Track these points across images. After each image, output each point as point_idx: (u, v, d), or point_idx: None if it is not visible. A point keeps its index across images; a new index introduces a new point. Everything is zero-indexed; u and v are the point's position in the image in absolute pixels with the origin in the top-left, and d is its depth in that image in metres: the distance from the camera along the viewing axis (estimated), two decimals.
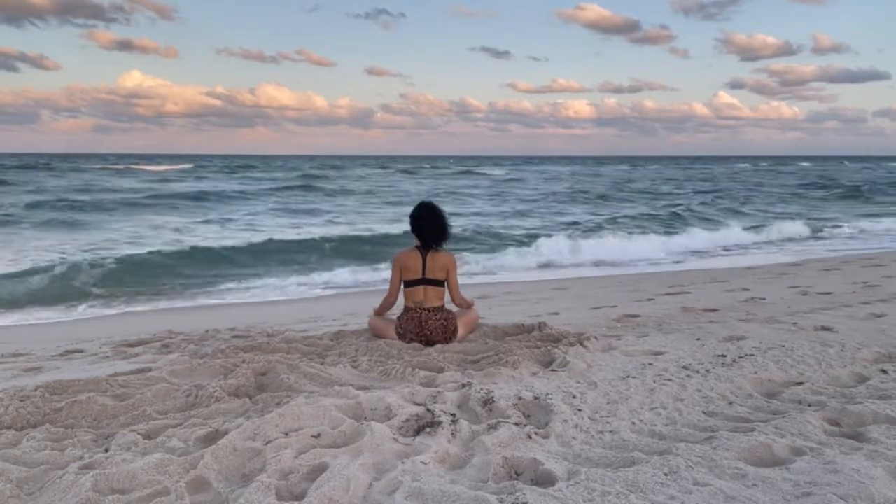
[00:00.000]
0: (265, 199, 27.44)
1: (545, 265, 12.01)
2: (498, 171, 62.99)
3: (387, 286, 4.74)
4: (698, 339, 4.41)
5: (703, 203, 25.86)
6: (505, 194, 32.92)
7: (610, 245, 13.69)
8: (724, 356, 3.92)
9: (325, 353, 4.16)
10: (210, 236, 15.86)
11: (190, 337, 5.08)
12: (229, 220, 19.96)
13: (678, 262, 12.16)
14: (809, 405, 3.05)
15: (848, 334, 4.50)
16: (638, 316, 5.57)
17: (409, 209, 4.67)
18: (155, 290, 9.67)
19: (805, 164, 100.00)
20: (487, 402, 3.02)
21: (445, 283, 4.61)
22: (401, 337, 4.46)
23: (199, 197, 27.62)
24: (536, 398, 3.07)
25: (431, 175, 56.37)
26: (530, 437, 2.63)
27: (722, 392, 3.28)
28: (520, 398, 3.06)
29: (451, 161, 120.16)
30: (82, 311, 8.37)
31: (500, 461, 2.41)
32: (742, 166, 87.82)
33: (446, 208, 4.71)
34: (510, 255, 12.64)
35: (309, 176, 46.81)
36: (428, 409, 2.89)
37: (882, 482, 2.18)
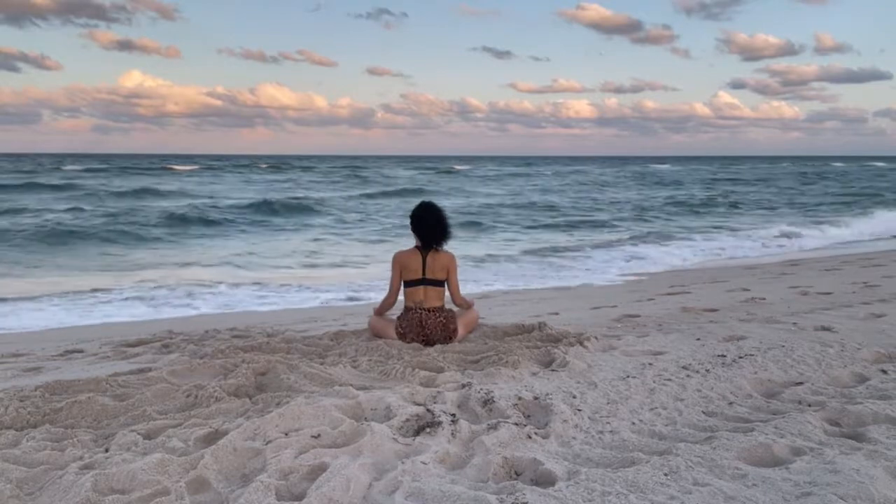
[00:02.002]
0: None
1: None
2: (546, 172, 62.96)
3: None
4: (698, 339, 4.41)
5: None
6: (667, 197, 30.87)
7: None
8: (724, 356, 3.92)
9: (325, 353, 4.16)
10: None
11: (190, 337, 5.08)
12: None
13: None
14: (809, 405, 3.04)
15: (848, 334, 4.50)
16: (638, 316, 5.56)
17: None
18: None
19: (838, 164, 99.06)
20: (487, 402, 3.02)
21: (445, 283, 4.61)
22: (401, 337, 4.46)
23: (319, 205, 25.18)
24: (536, 398, 3.07)
25: (488, 176, 55.30)
26: (530, 437, 2.63)
27: (722, 392, 3.28)
28: (520, 398, 3.06)
29: (453, 161, 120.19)
30: None
31: (500, 461, 2.41)
32: (784, 166, 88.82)
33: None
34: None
35: (371, 181, 44.24)
36: (428, 409, 2.89)
37: (882, 482, 2.18)
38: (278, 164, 79.73)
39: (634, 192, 35.79)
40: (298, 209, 23.57)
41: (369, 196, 30.79)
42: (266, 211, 22.64)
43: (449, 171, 62.97)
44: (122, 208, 22.65)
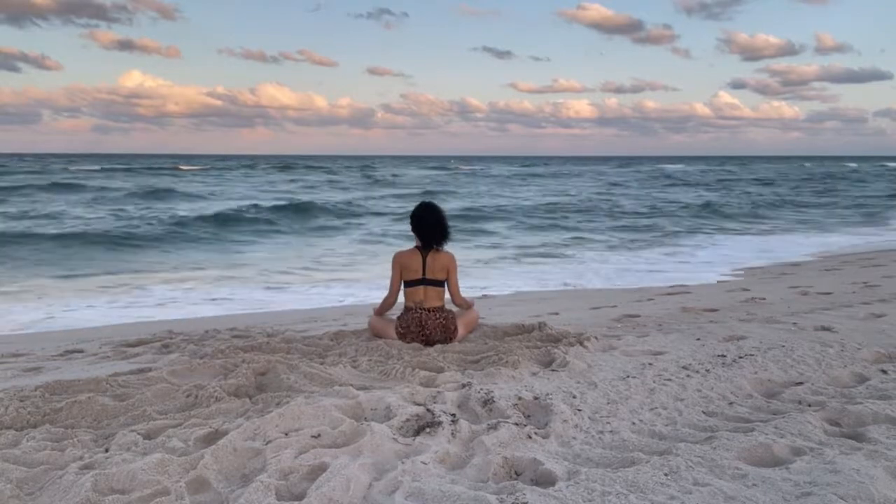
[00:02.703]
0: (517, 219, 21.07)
1: None
2: (563, 171, 62.98)
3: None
4: (698, 339, 4.41)
5: None
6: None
7: None
8: (724, 356, 3.92)
9: (325, 353, 4.16)
10: None
11: (190, 337, 5.08)
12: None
13: None
14: (809, 405, 3.05)
15: (848, 334, 4.50)
16: (638, 316, 5.56)
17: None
18: None
19: (851, 164, 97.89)
20: (487, 402, 3.02)
21: (445, 284, 4.61)
22: (401, 337, 4.46)
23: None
24: (536, 398, 3.07)
25: (504, 175, 55.14)
26: (530, 437, 2.63)
27: (722, 392, 3.28)
28: (520, 398, 3.06)
29: (452, 161, 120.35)
30: None
31: (500, 461, 2.41)
32: (807, 166, 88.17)
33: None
34: None
35: (392, 182, 43.29)
36: (428, 409, 2.89)
37: (882, 482, 2.18)
38: (283, 164, 79.69)
39: (679, 192, 35.42)
40: (337, 211, 23.27)
41: (397, 197, 30.44)
42: (305, 212, 22.27)
43: (456, 171, 62.78)
44: (153, 209, 22.87)
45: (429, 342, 4.42)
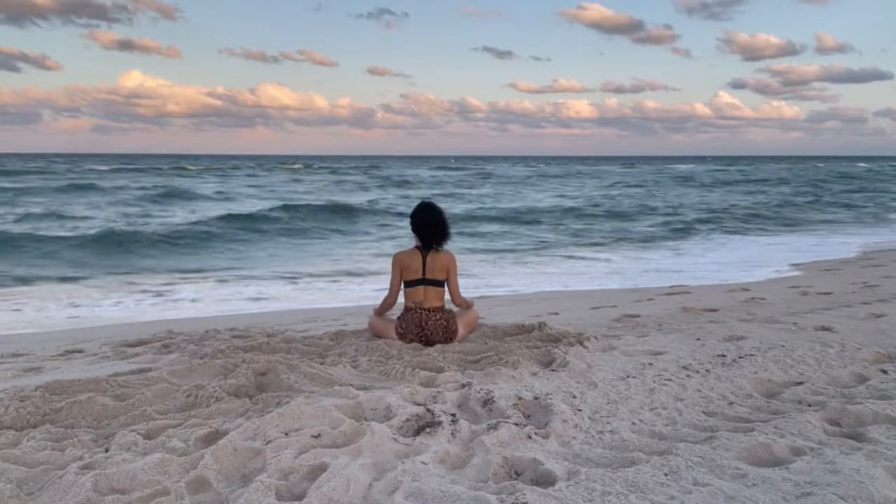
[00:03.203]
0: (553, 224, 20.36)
1: None
2: (566, 171, 62.89)
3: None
4: (698, 339, 4.41)
5: None
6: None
7: None
8: (724, 356, 3.92)
9: (325, 353, 4.16)
10: None
11: (190, 337, 5.08)
12: None
13: None
14: (809, 405, 3.05)
15: (848, 334, 4.50)
16: (638, 316, 5.56)
17: None
18: None
19: (862, 164, 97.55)
20: (487, 402, 3.02)
21: (445, 284, 4.61)
22: (401, 337, 4.46)
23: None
24: (536, 398, 3.07)
25: (514, 175, 55.16)
26: (530, 437, 2.63)
27: (722, 392, 3.28)
28: (520, 398, 3.06)
29: (452, 160, 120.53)
30: None
31: (500, 461, 2.41)
32: (819, 166, 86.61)
33: None
34: None
35: (408, 184, 42.75)
36: (428, 409, 2.89)
37: (882, 482, 2.18)
38: (287, 164, 79.50)
39: (715, 193, 34.85)
40: (361, 211, 23.04)
41: (416, 197, 30.36)
42: (327, 212, 21.98)
43: (461, 169, 62.84)
44: (170, 209, 22.98)
45: (429, 342, 4.42)
